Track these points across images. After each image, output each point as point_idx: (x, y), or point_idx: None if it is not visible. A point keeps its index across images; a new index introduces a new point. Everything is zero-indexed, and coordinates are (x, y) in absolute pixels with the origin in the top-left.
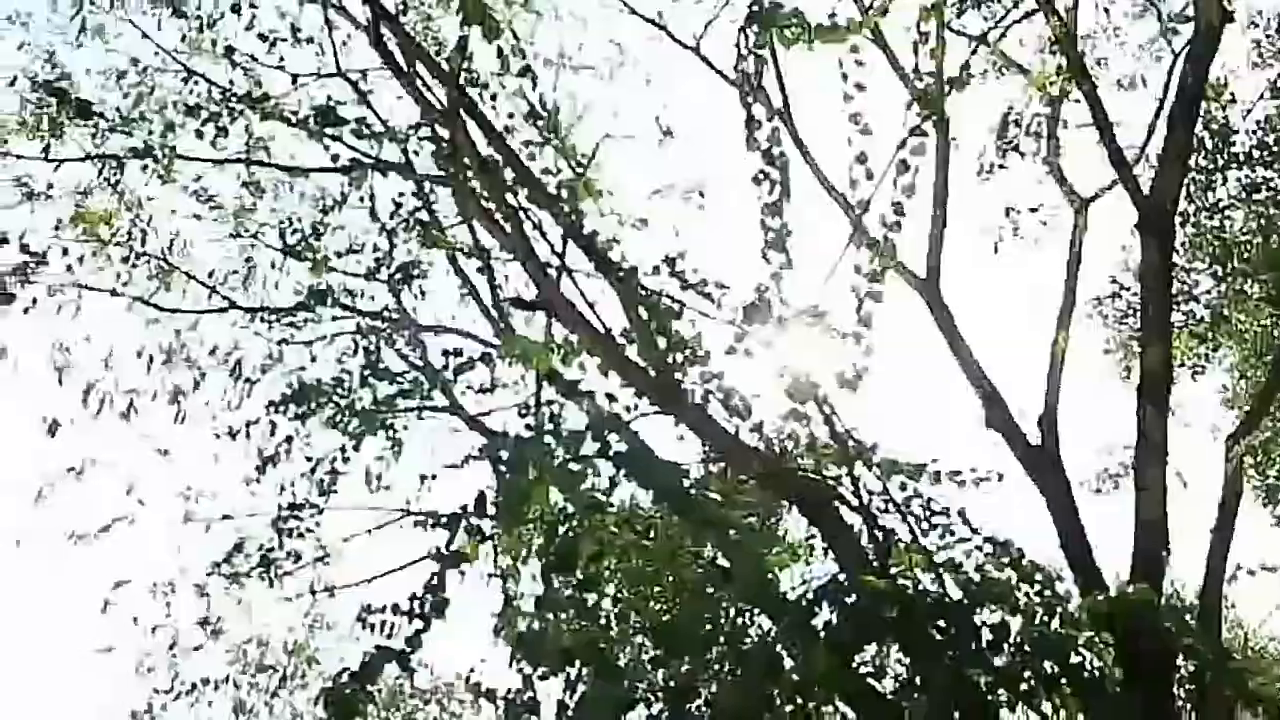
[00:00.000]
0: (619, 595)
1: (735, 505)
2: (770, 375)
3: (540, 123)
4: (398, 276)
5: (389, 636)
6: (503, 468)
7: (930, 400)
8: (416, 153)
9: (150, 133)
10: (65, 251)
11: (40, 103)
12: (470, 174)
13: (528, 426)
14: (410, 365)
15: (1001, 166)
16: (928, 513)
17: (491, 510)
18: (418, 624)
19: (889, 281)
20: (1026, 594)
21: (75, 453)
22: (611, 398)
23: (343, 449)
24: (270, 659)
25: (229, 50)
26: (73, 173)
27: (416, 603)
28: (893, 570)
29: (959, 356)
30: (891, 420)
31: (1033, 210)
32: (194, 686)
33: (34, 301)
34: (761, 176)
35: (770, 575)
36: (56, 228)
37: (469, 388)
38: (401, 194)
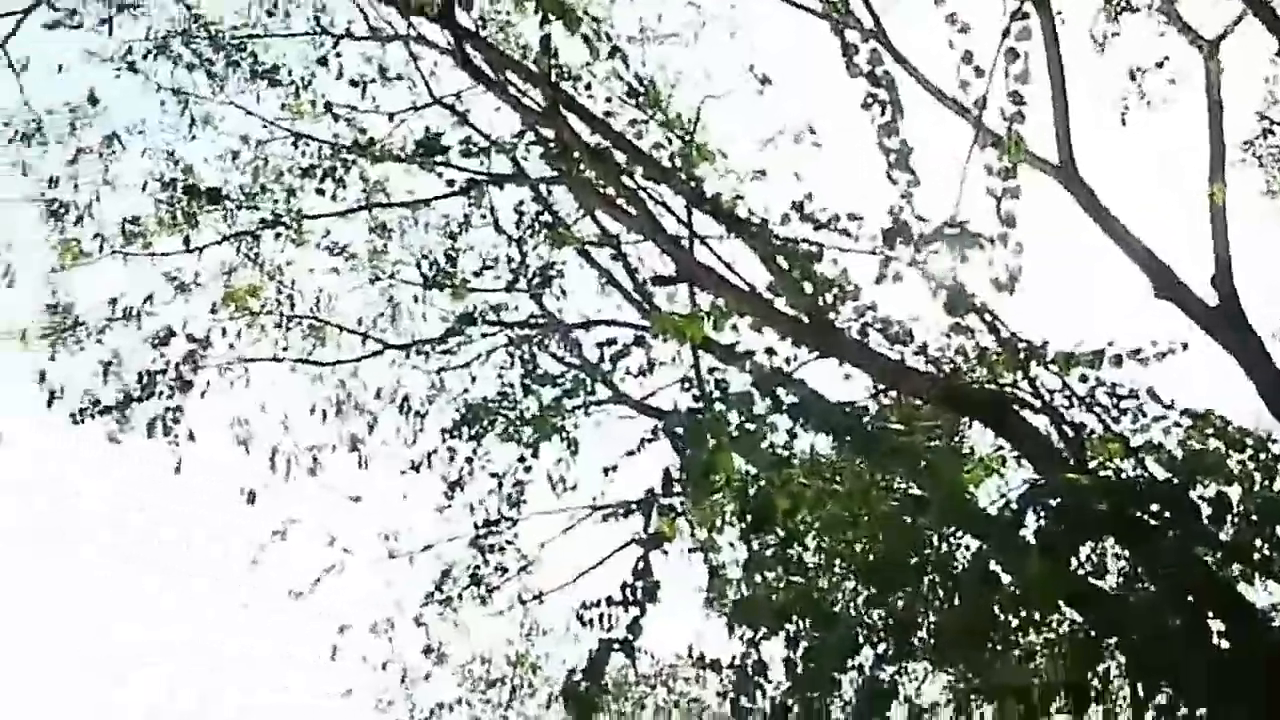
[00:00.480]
0: (821, 544)
1: (916, 432)
2: (924, 295)
3: (640, 99)
4: (536, 282)
5: (608, 629)
6: (680, 443)
7: (1089, 285)
8: (525, 158)
9: (274, 201)
10: (224, 331)
11: (172, 199)
12: (583, 166)
13: (695, 398)
14: (567, 365)
15: (1115, 35)
16: (1115, 399)
17: (679, 487)
18: (634, 611)
19: (1022, 175)
20: (1240, 461)
21: (276, 515)
22: (771, 352)
23: (522, 459)
24: (496, 674)
25: (328, 106)
26: (214, 256)
27: (628, 591)
28: (1091, 464)
29: (1112, 233)
30: (1055, 314)
31: (1159, 65)
32: (431, 713)
33: (207, 384)
34: (870, 100)
35: (967, 494)
36: (212, 311)
37: (628, 373)
38: (521, 201)
